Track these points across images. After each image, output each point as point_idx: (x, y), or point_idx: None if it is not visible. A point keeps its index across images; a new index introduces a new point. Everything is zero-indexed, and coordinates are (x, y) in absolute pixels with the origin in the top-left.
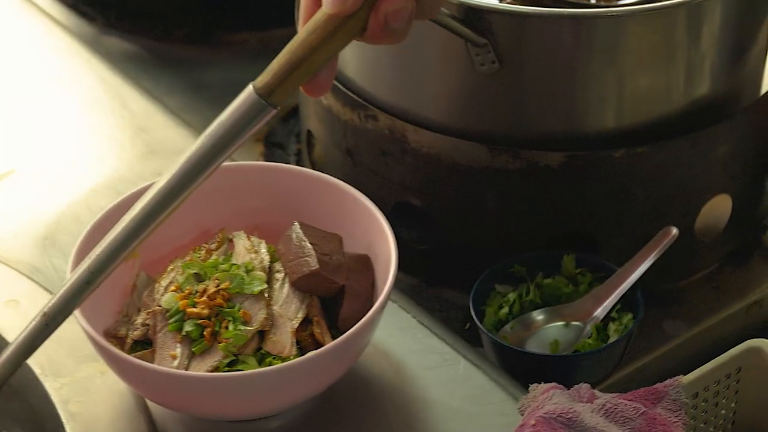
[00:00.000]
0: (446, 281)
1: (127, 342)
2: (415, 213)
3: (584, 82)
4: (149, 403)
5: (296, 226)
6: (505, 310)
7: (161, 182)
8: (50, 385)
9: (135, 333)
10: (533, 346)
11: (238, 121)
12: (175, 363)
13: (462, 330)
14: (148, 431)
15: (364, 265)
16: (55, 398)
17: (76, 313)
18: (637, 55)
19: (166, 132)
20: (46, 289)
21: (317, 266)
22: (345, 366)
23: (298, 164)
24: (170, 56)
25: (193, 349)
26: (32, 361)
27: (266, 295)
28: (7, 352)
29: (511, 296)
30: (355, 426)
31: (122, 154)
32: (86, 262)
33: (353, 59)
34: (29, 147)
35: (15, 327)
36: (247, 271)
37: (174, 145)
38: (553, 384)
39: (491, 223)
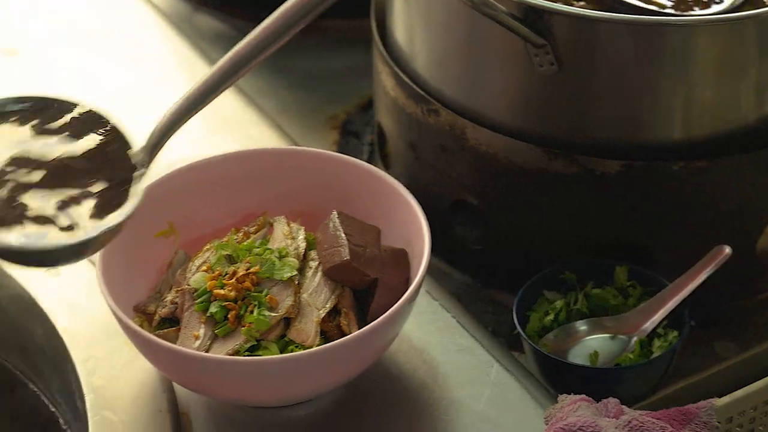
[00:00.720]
0: (499, 283)
1: (155, 318)
2: (472, 211)
3: (646, 91)
4: (175, 384)
5: (334, 215)
6: (551, 317)
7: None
8: (77, 356)
9: (163, 310)
10: (575, 356)
11: None
12: (197, 343)
13: (510, 334)
14: (169, 411)
15: (400, 260)
16: (81, 370)
17: (104, 289)
18: (704, 66)
19: (242, 114)
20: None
21: (348, 257)
22: (369, 358)
23: (370, 155)
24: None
25: (216, 331)
26: (63, 331)
27: (296, 282)
28: None
29: (558, 304)
30: (381, 419)
31: (192, 133)
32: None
33: (422, 52)
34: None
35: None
36: (280, 257)
37: (244, 127)
38: (582, 396)
39: (544, 227)
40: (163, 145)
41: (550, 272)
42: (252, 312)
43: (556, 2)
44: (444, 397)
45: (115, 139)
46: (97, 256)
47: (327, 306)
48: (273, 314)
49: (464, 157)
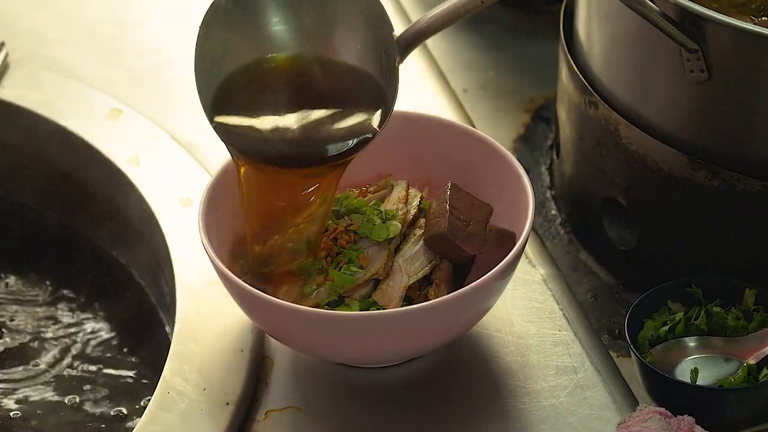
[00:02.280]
0: (640, 287)
1: (252, 257)
2: (621, 211)
3: None
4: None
5: (448, 186)
6: (667, 328)
7: None
8: (181, 283)
9: (263, 250)
10: (682, 371)
11: None
12: (283, 290)
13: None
14: (251, 351)
15: (506, 242)
16: (180, 297)
17: (202, 235)
18: None
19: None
20: None
21: (445, 229)
22: (450, 330)
23: (553, 143)
24: (489, 15)
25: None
26: (176, 260)
27: (392, 245)
28: None
29: (678, 316)
30: (455, 396)
31: None
32: None
33: (592, 45)
34: None
35: (183, 222)
36: (385, 219)
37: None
38: (659, 409)
39: (684, 237)
40: (415, 47)
41: (677, 283)
42: (340, 268)
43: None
44: (525, 386)
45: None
46: (201, 196)
47: (419, 274)
48: (359, 271)
49: (616, 155)
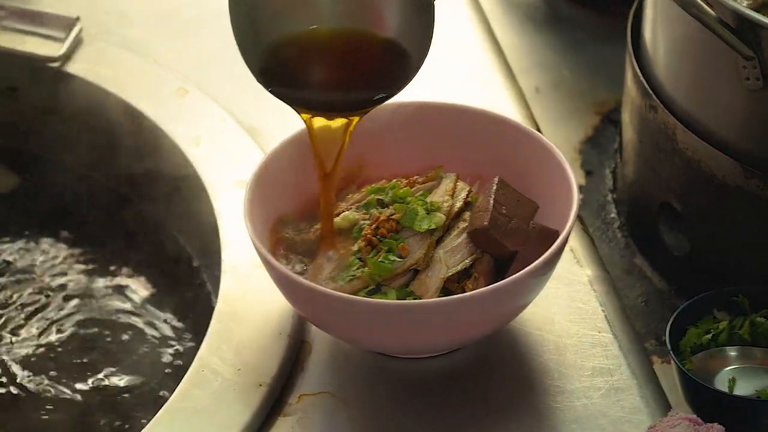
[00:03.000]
0: (691, 294)
1: (296, 239)
2: (676, 217)
3: None
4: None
5: (495, 181)
6: (710, 336)
7: None
8: (227, 263)
9: (306, 236)
10: (721, 380)
11: None
12: (322, 275)
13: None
14: (289, 335)
15: (548, 240)
16: (224, 278)
17: (247, 221)
18: None
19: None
20: None
21: (487, 223)
22: (484, 324)
23: (618, 145)
24: (564, 14)
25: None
26: (225, 243)
27: (434, 237)
28: None
29: (722, 325)
30: (488, 391)
31: (441, 78)
32: None
33: (655, 49)
34: None
35: (236, 205)
36: (429, 210)
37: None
38: (689, 416)
39: (737, 246)
40: None
41: (724, 292)
42: (379, 257)
43: None
44: (559, 384)
45: None
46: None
47: (458, 267)
48: (398, 260)
49: (673, 160)
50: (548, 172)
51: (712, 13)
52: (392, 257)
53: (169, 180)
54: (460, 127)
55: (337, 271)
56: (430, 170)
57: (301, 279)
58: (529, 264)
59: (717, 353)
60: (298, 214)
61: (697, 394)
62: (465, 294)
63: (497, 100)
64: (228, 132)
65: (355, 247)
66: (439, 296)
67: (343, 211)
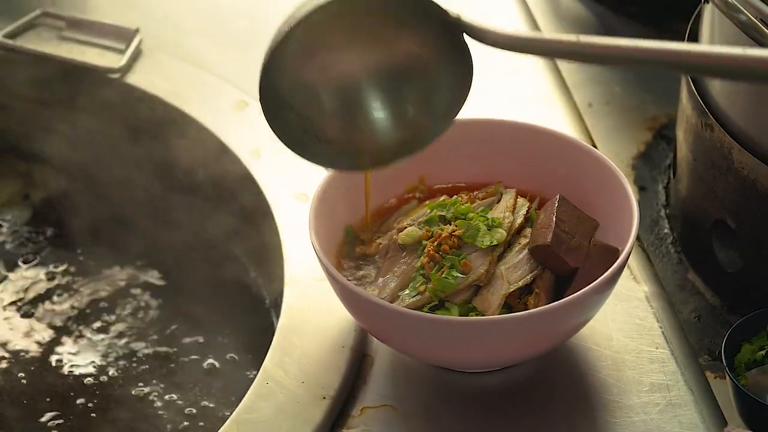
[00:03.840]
0: (744, 310)
1: (357, 250)
2: (730, 234)
3: None
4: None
5: (556, 198)
6: (764, 352)
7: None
8: (290, 278)
9: (369, 249)
10: None
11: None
12: (386, 292)
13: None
14: (353, 348)
15: (609, 257)
16: (287, 291)
17: (312, 231)
18: None
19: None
20: None
21: (549, 241)
22: (547, 340)
23: (671, 162)
24: (616, 29)
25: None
26: (288, 254)
27: (496, 253)
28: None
29: None
30: (547, 407)
31: (494, 95)
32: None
33: None
34: None
35: (297, 217)
36: (491, 227)
37: (547, 106)
38: (743, 431)
39: None
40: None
41: None
42: (442, 273)
43: None
44: (618, 400)
45: None
46: (313, 193)
47: (519, 283)
48: (461, 276)
49: (728, 178)
50: (608, 190)
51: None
52: (455, 273)
53: (230, 192)
54: (518, 143)
55: (400, 287)
56: (489, 186)
57: (366, 294)
58: (590, 280)
59: None
60: (362, 227)
61: (752, 410)
62: (532, 310)
63: (553, 115)
64: None
65: (418, 264)
66: (501, 312)
67: (407, 227)
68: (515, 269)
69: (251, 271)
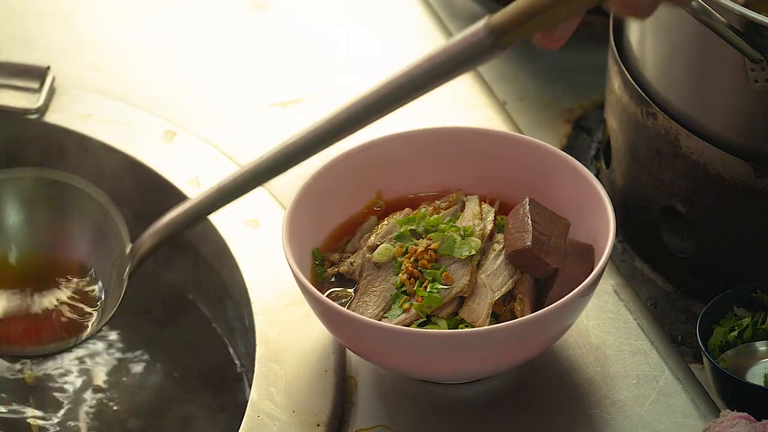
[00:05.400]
0: (699, 294)
1: (329, 271)
2: (679, 219)
3: None
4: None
5: (526, 201)
6: (735, 333)
7: (367, 92)
8: (257, 306)
9: (342, 268)
10: (753, 376)
11: (462, 52)
12: (370, 311)
13: (696, 344)
14: (336, 372)
15: (585, 255)
16: (258, 320)
17: (285, 245)
18: None
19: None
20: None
21: (530, 243)
22: (536, 346)
23: (598, 152)
24: None
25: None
26: (250, 282)
27: (475, 261)
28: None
29: (746, 321)
30: (541, 410)
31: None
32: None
33: (649, 54)
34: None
35: (252, 244)
36: (464, 236)
37: (474, 109)
38: (743, 414)
39: (748, 244)
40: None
41: (743, 289)
42: (426, 288)
43: None
44: (609, 395)
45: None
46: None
47: (503, 289)
48: (445, 287)
49: (676, 164)
50: (572, 187)
51: (722, 19)
52: (438, 286)
53: None
54: (470, 148)
55: (384, 307)
56: (447, 194)
57: (361, 317)
58: (571, 280)
59: (744, 349)
60: (329, 247)
61: (736, 392)
62: (528, 316)
63: (479, 115)
64: (225, 170)
65: (398, 281)
66: (491, 319)
67: (378, 245)
68: (495, 276)
69: (203, 307)
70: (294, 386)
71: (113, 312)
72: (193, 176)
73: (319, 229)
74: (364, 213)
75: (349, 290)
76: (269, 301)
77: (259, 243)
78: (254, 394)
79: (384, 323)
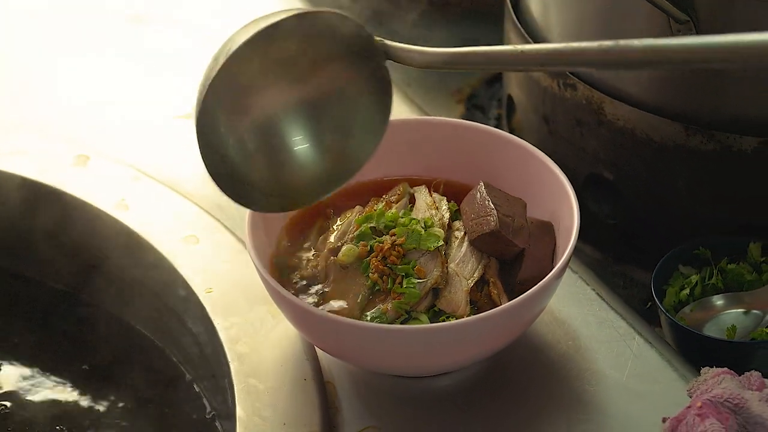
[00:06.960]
0: (633, 258)
1: (294, 279)
2: (606, 186)
3: None
4: (318, 351)
5: (481, 186)
6: (686, 291)
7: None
8: (220, 324)
9: (305, 272)
10: (711, 330)
11: None
12: (346, 313)
13: (642, 308)
14: (314, 379)
15: (546, 232)
16: (224, 337)
17: (249, 246)
18: None
19: None
20: (226, 227)
21: (497, 226)
22: (519, 329)
23: (506, 127)
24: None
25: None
26: (204, 298)
27: (443, 252)
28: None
29: (694, 278)
30: (523, 390)
31: None
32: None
33: (557, 25)
34: None
35: (193, 262)
36: (426, 227)
37: None
38: (725, 369)
39: (680, 204)
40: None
41: (685, 247)
42: (401, 284)
43: None
44: (588, 368)
45: None
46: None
47: (475, 276)
48: (422, 280)
49: (600, 132)
50: (521, 166)
51: None
52: (414, 281)
53: (104, 252)
54: (404, 139)
55: (359, 308)
56: (391, 185)
57: (356, 322)
58: (539, 258)
59: (697, 306)
60: (278, 252)
61: (697, 347)
62: (520, 298)
63: None
64: (148, 188)
65: (369, 281)
66: (470, 307)
67: (340, 246)
68: (464, 264)
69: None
70: (277, 399)
71: None
72: (118, 198)
73: (270, 236)
74: (312, 208)
75: (312, 293)
76: (229, 316)
77: (202, 259)
78: (240, 412)
79: (379, 325)
